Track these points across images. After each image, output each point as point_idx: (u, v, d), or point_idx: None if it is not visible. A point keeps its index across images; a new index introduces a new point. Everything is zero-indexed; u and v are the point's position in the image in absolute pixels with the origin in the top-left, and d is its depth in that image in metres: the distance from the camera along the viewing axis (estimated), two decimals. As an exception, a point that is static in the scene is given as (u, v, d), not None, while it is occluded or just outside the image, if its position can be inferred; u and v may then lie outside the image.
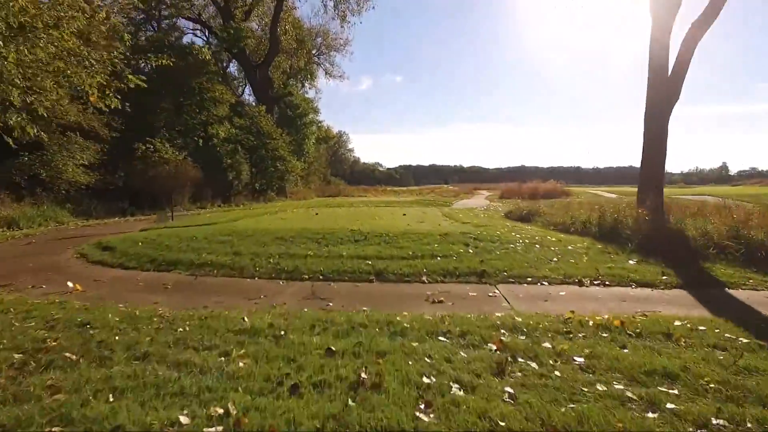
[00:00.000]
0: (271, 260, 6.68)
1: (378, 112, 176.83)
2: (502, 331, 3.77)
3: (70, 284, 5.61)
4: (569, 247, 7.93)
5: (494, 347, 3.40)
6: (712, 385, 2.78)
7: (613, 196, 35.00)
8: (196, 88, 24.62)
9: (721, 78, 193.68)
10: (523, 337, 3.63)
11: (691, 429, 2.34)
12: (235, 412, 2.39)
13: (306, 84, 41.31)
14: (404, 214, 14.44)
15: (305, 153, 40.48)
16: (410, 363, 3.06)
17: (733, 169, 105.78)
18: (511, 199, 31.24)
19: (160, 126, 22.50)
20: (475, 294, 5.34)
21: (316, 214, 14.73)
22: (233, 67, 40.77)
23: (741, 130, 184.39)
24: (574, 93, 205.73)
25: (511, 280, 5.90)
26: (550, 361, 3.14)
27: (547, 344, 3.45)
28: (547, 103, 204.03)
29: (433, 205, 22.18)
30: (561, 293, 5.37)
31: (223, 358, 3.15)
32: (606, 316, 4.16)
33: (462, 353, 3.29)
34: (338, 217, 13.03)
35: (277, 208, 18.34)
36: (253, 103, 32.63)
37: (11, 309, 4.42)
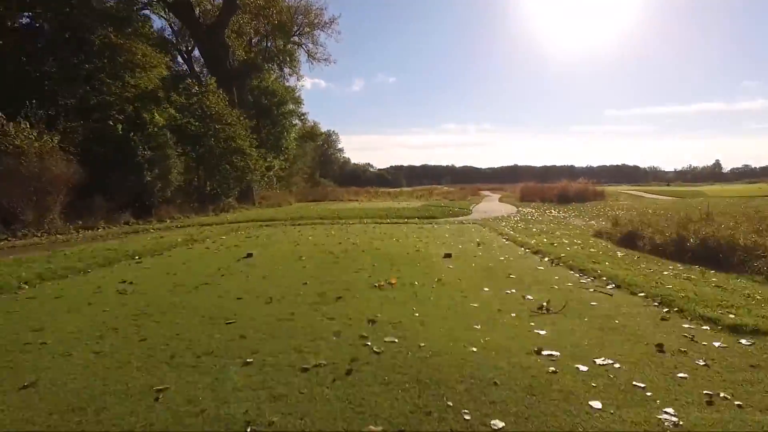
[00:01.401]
0: None
1: (369, 113, 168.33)
2: None
3: None
4: None
5: None
6: None
7: (662, 197, 27.12)
8: (98, 44, 16.24)
9: (711, 76, 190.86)
10: None
11: None
12: None
13: (285, 69, 32.86)
14: (448, 255, 6.30)
15: (284, 149, 32.31)
16: None
17: (726, 167, 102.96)
18: (534, 201, 24.21)
19: (27, 98, 14.03)
20: None
21: (248, 256, 6.55)
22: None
23: (729, 128, 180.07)
24: (567, 93, 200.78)
25: None
26: None
27: None
28: (541, 103, 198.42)
29: (459, 214, 14.21)
30: None
31: None
32: None
33: None
34: (283, 284, 4.90)
35: (183, 236, 9.82)
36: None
37: None
